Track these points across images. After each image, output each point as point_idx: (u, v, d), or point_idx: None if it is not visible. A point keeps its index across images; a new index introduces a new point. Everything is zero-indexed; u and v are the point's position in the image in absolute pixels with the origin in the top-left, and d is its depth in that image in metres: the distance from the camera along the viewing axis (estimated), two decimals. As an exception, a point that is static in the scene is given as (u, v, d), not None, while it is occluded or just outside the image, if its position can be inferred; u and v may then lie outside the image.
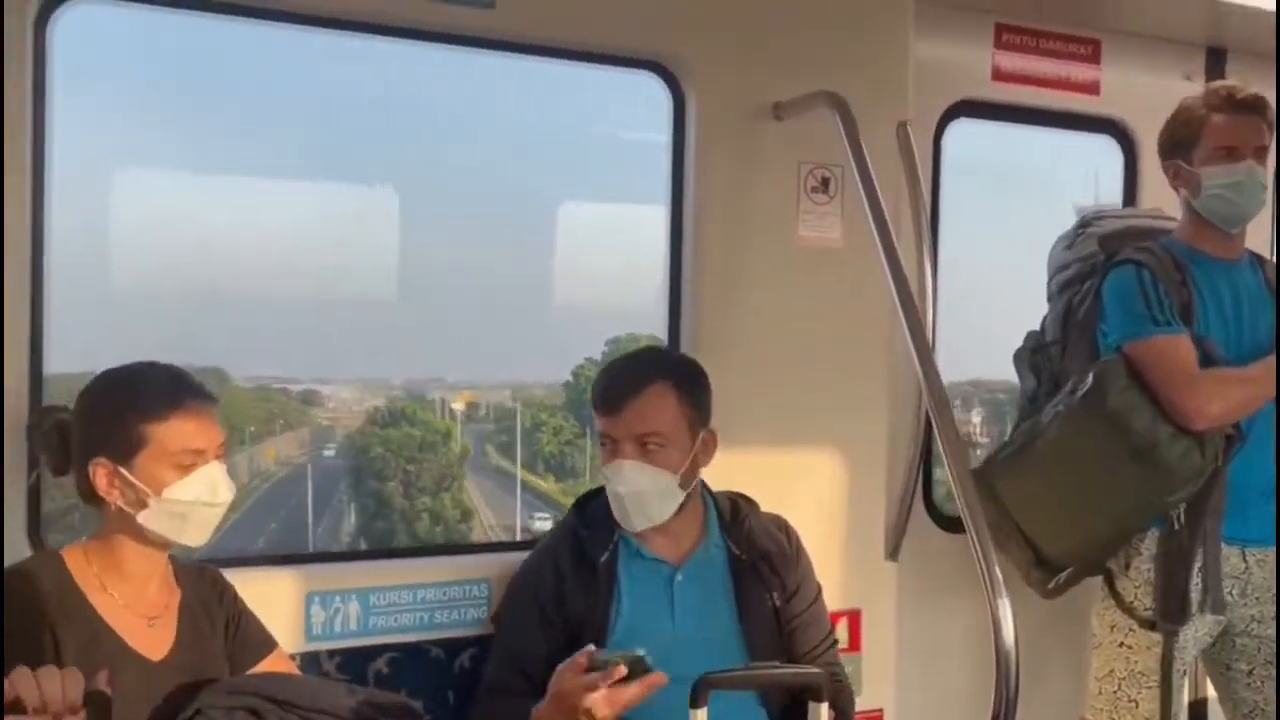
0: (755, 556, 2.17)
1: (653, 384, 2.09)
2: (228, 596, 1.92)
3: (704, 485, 2.26)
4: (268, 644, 1.93)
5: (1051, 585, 2.53)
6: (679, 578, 2.14)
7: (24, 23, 1.95)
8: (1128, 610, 2.42)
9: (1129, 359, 2.33)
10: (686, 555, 2.16)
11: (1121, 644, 2.43)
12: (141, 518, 1.74)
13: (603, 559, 2.11)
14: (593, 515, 2.16)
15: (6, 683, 1.36)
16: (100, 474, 1.74)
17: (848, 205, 2.57)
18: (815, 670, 1.51)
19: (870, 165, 2.16)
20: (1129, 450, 2.29)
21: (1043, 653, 2.73)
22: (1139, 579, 2.40)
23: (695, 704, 1.45)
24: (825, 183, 2.59)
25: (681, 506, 2.13)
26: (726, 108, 2.50)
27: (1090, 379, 2.35)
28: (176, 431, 1.75)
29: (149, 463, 1.74)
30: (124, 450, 1.74)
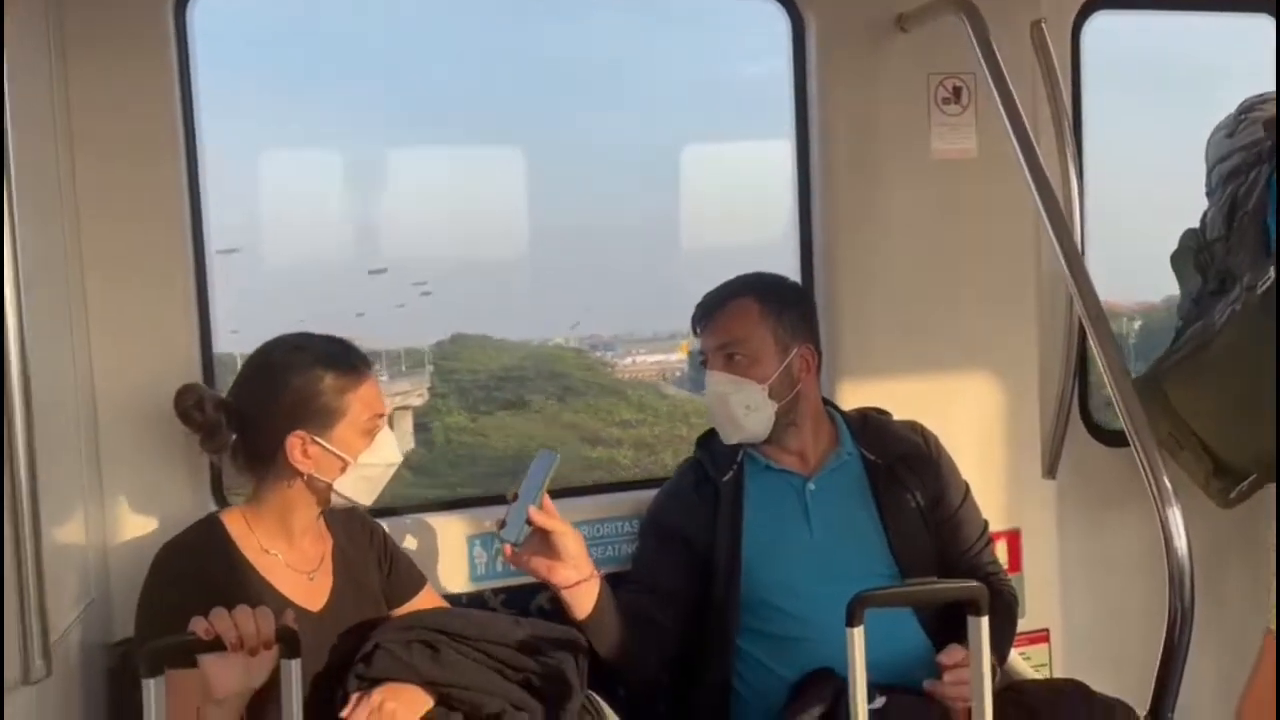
0: (892, 459, 2.15)
1: (736, 299, 2.12)
2: (377, 536, 2.00)
3: (832, 405, 2.26)
4: (420, 579, 2.02)
5: (1233, 494, 2.42)
6: (811, 487, 2.13)
7: (164, 9, 2.05)
8: (1314, 518, 2.28)
9: None
10: (817, 467, 2.15)
11: (1308, 553, 2.30)
12: (338, 484, 1.82)
13: (726, 478, 2.13)
14: (716, 443, 2.18)
15: (205, 622, 1.48)
16: (296, 444, 1.79)
17: (981, 114, 2.47)
18: (974, 584, 1.46)
19: (1004, 71, 2.06)
20: (1317, 348, 2.14)
21: (1219, 567, 2.60)
22: (1325, 484, 2.27)
23: (851, 622, 1.42)
24: (957, 93, 2.49)
25: (797, 424, 2.12)
26: (848, 24, 2.43)
27: (1271, 275, 2.21)
28: (365, 399, 1.83)
29: (346, 431, 1.81)
30: (324, 420, 1.80)
